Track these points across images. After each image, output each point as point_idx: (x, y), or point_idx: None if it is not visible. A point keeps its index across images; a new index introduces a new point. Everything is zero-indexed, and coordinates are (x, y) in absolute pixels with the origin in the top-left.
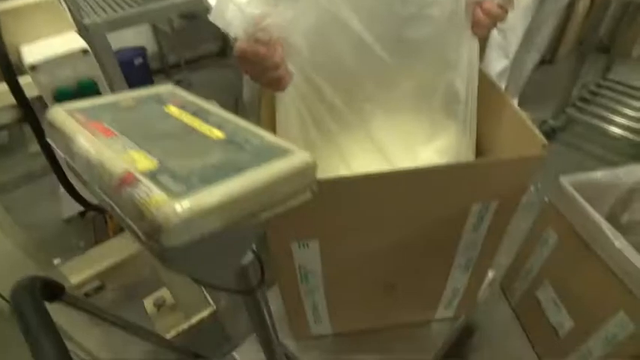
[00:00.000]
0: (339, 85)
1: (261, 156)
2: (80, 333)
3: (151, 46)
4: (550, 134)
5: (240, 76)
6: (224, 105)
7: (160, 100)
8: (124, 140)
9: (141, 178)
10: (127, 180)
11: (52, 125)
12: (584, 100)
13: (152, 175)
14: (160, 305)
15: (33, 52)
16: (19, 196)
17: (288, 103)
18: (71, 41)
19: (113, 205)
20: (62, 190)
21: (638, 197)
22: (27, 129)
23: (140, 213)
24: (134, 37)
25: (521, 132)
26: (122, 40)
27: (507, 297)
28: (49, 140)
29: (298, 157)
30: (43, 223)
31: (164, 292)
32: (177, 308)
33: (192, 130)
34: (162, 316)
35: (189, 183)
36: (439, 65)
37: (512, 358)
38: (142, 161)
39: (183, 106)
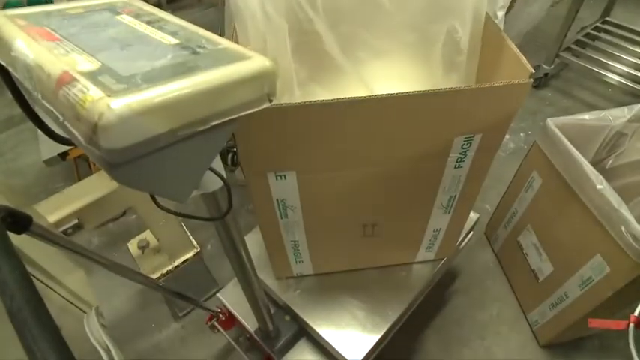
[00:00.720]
0: (335, 30)
1: (214, 59)
2: (60, 273)
3: None
4: (542, 80)
5: (222, 15)
6: None
7: (113, 9)
8: (68, 45)
9: (79, 77)
10: (64, 79)
11: None
12: (580, 43)
13: (92, 75)
14: (144, 247)
15: None
16: (1, 141)
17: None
18: None
19: (52, 109)
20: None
21: (624, 141)
22: None
23: (77, 113)
24: None
25: (508, 60)
26: None
27: (491, 243)
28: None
29: (256, 62)
30: (26, 168)
31: (148, 234)
32: (162, 250)
33: (143, 36)
34: (146, 258)
35: (131, 82)
36: (440, 10)
37: (493, 302)
38: (83, 63)
39: (137, 15)
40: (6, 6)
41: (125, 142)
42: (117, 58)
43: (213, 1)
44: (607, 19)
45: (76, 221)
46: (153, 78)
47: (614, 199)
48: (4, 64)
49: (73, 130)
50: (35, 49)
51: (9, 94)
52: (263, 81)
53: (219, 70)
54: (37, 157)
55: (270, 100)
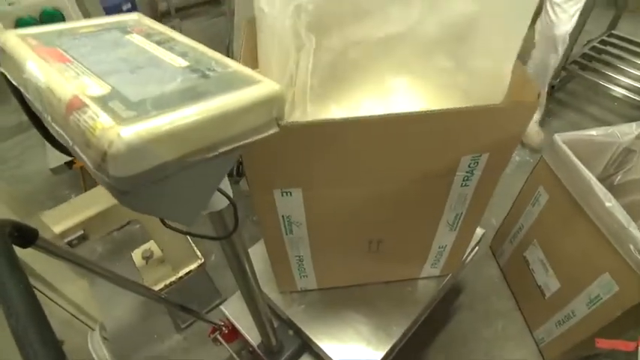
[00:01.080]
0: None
1: (224, 84)
2: (64, 284)
3: None
4: (549, 93)
5: (232, 24)
6: None
7: (124, 28)
8: (78, 66)
9: (89, 102)
10: (74, 104)
11: (3, 51)
12: (587, 56)
13: (102, 101)
14: (148, 258)
15: None
16: (8, 148)
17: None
18: None
19: (63, 134)
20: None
21: (632, 157)
22: None
23: (87, 140)
24: None
25: (515, 79)
26: None
27: (496, 257)
28: (1, 69)
29: (265, 87)
30: (32, 174)
31: (152, 245)
32: (165, 261)
33: (153, 58)
34: (150, 269)
35: (140, 109)
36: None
37: (498, 317)
38: (93, 87)
39: (148, 35)
40: (19, 23)
41: (134, 170)
42: (127, 81)
43: (221, 11)
44: (613, 32)
45: (81, 232)
46: (162, 104)
47: (623, 217)
48: (15, 83)
49: (82, 156)
50: (46, 72)
51: (15, 101)
52: (272, 105)
53: (229, 95)
54: (43, 164)
55: (279, 125)
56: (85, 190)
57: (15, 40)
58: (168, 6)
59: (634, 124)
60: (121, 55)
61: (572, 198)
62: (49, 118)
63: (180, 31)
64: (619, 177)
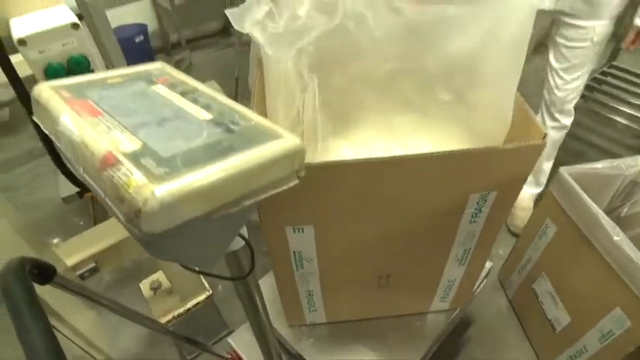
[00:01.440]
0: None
1: (248, 139)
2: (74, 316)
3: (152, 24)
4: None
5: (241, 56)
6: (224, 84)
7: (149, 78)
8: (109, 120)
9: (122, 159)
10: (109, 161)
11: (37, 102)
12: (588, 87)
13: (135, 157)
14: (156, 288)
15: (22, 26)
16: (20, 175)
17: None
18: (62, 15)
19: (95, 186)
20: None
21: (638, 190)
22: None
23: (120, 196)
24: (135, 14)
25: (522, 121)
26: (123, 17)
27: (504, 289)
28: (35, 118)
29: (287, 142)
30: (43, 201)
31: (160, 275)
32: (174, 292)
33: (179, 110)
34: (158, 299)
35: (172, 166)
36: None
37: (508, 350)
38: (125, 142)
39: (172, 85)
40: (47, 70)
41: (164, 226)
42: (156, 136)
43: (230, 42)
44: (614, 63)
45: (93, 264)
46: (191, 161)
47: (631, 250)
48: (47, 132)
49: (114, 209)
50: (79, 126)
51: (29, 129)
52: (294, 159)
53: (253, 151)
54: (54, 191)
55: (299, 177)
56: (95, 219)
57: (49, 93)
58: (179, 37)
59: (639, 157)
60: (148, 106)
61: (580, 231)
62: (81, 170)
63: (191, 62)
64: (626, 209)
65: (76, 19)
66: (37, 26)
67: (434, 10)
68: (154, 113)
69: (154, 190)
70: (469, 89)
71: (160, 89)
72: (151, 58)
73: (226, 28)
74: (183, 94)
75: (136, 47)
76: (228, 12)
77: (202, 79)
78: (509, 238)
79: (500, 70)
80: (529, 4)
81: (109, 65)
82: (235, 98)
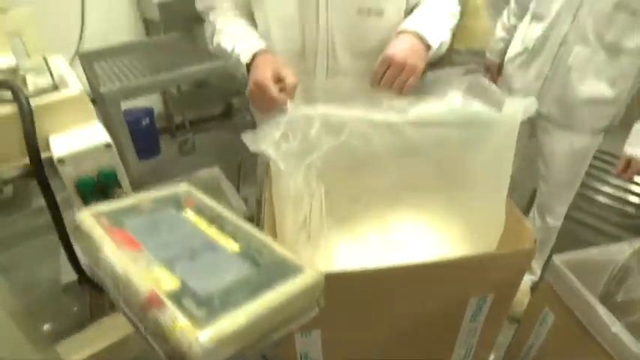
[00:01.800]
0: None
1: (274, 274)
2: None
3: (157, 106)
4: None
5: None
6: (227, 167)
7: (178, 203)
8: (148, 255)
9: (166, 301)
10: (153, 301)
11: (79, 229)
12: None
13: (176, 298)
14: None
15: (61, 144)
16: (18, 254)
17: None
18: (96, 134)
19: (136, 321)
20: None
21: (631, 274)
22: (33, 184)
23: (165, 337)
24: (142, 97)
25: (514, 226)
26: (130, 100)
27: None
28: (77, 244)
29: (309, 275)
30: (40, 283)
31: None
32: None
33: (210, 242)
34: None
35: (210, 307)
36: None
37: None
38: (165, 280)
39: (199, 209)
40: (79, 183)
41: None
42: (191, 271)
43: (234, 124)
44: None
45: None
46: (227, 303)
47: (630, 341)
48: (87, 258)
49: (155, 345)
50: (121, 260)
51: (33, 204)
52: (315, 290)
53: (280, 288)
54: (52, 273)
55: (320, 306)
56: (90, 310)
57: (91, 222)
58: (183, 119)
59: (625, 244)
60: (180, 237)
61: (577, 320)
62: (121, 302)
63: (194, 144)
64: (621, 295)
65: (109, 140)
66: (74, 145)
67: (432, 131)
68: (187, 244)
69: (197, 337)
70: (462, 194)
71: (189, 214)
72: (156, 141)
73: (228, 112)
74: (211, 221)
75: (142, 130)
76: (243, 136)
77: (205, 162)
78: (508, 325)
79: (489, 176)
80: (513, 121)
81: (120, 154)
82: (237, 182)
